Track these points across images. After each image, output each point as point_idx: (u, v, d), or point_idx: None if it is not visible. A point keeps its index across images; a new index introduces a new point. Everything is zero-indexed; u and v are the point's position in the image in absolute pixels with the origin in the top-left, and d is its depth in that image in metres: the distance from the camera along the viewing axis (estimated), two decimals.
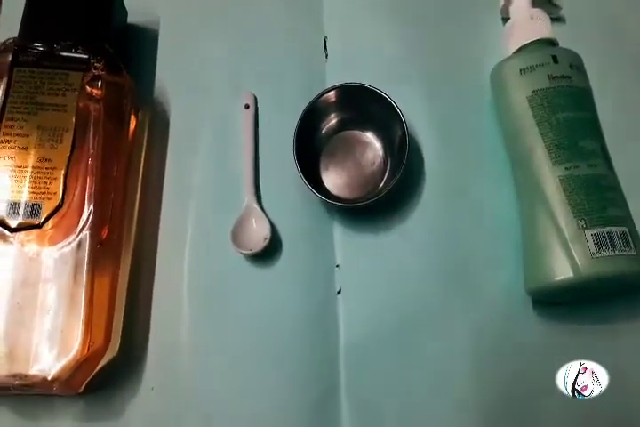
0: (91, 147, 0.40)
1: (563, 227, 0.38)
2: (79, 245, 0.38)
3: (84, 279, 0.37)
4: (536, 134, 0.41)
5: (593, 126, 0.41)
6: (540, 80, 0.42)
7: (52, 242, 0.38)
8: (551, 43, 0.45)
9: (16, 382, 0.36)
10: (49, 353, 0.36)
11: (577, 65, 0.43)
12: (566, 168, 0.39)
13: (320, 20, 0.50)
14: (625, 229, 0.38)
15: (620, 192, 0.40)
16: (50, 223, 0.38)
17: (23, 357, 0.36)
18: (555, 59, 0.42)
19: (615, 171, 0.40)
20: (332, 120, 0.47)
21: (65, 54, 0.42)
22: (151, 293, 0.43)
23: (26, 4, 0.44)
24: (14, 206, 0.38)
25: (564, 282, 0.37)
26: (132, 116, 0.46)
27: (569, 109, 0.41)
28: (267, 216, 0.44)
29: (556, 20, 0.48)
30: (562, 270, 0.37)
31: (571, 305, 0.41)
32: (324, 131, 0.47)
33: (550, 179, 0.40)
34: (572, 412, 0.39)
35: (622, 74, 0.48)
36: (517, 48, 0.45)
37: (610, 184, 0.39)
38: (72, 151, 0.39)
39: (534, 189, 0.40)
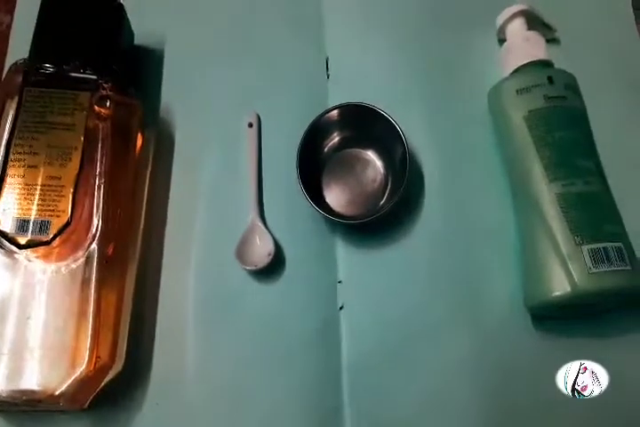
0: (99, 165, 0.41)
1: (560, 243, 0.39)
2: (86, 261, 0.38)
3: (92, 295, 0.37)
4: (533, 153, 0.42)
5: (588, 145, 0.42)
6: (537, 100, 0.43)
7: (60, 259, 0.38)
8: (547, 64, 0.46)
9: (23, 398, 0.36)
10: (56, 369, 0.36)
11: (572, 85, 0.44)
12: (563, 185, 0.40)
13: (322, 40, 0.52)
14: (620, 244, 0.38)
15: (615, 209, 0.40)
16: (58, 240, 0.38)
17: (30, 372, 0.36)
18: (550, 79, 0.44)
19: (610, 188, 0.41)
20: (335, 139, 0.48)
21: (74, 75, 0.43)
22: (156, 309, 0.43)
23: (36, 25, 0.45)
24: (23, 224, 0.38)
25: (562, 297, 0.38)
26: (139, 135, 0.46)
27: (565, 128, 0.42)
28: (270, 233, 0.45)
29: (551, 41, 0.50)
30: (560, 286, 0.38)
31: (569, 320, 0.42)
32: (326, 149, 0.48)
33: (547, 196, 0.40)
34: (573, 425, 0.39)
35: (616, 94, 0.49)
36: (514, 69, 0.46)
37: (605, 201, 0.40)
38: (80, 169, 0.40)
39: (532, 205, 0.41)
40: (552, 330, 0.42)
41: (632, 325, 0.42)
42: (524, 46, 0.47)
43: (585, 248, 0.38)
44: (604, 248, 0.38)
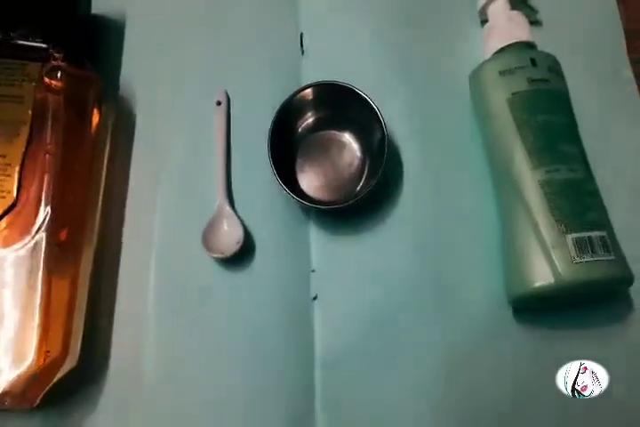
0: (48, 142, 0.38)
1: (543, 232, 0.38)
2: (35, 246, 0.36)
3: (40, 284, 0.35)
4: (516, 137, 0.40)
5: (572, 130, 0.41)
6: (520, 82, 0.42)
7: (6, 243, 0.36)
8: (530, 46, 0.44)
9: None
10: (1, 364, 0.34)
11: (555, 68, 0.43)
12: (546, 171, 0.39)
13: (296, 15, 0.49)
14: (605, 233, 0.37)
15: (599, 197, 0.39)
16: (3, 223, 0.36)
17: None
18: (533, 61, 0.42)
19: (593, 175, 0.40)
20: (309, 119, 0.46)
21: (22, 43, 0.40)
22: (114, 299, 0.41)
23: None
24: None
25: (546, 288, 0.37)
26: (96, 111, 0.43)
27: (548, 112, 0.41)
28: (239, 219, 0.43)
29: (534, 23, 0.48)
30: (543, 276, 0.37)
31: (551, 311, 0.41)
32: (299, 130, 0.46)
33: (531, 182, 0.39)
34: (556, 421, 0.38)
35: (599, 77, 0.47)
36: (496, 50, 0.44)
37: (590, 189, 0.39)
38: (28, 146, 0.37)
39: (515, 192, 0.40)
40: (533, 322, 0.41)
41: (614, 315, 0.41)
42: (506, 27, 0.45)
43: (569, 237, 0.37)
44: (588, 237, 0.37)
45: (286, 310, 0.41)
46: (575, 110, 0.42)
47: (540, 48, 0.45)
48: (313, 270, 0.42)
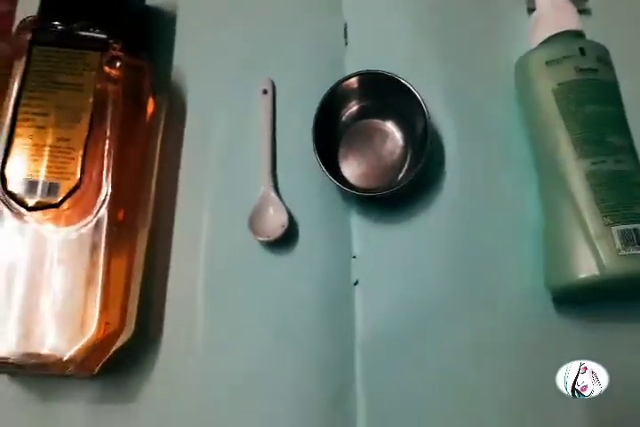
0: (108, 128, 0.40)
1: (588, 223, 0.37)
2: (96, 226, 0.38)
3: (101, 261, 0.37)
4: (562, 128, 0.40)
5: (620, 121, 0.41)
6: (567, 72, 0.41)
7: (69, 222, 0.38)
8: (578, 35, 0.44)
9: (31, 362, 0.36)
10: (65, 334, 0.36)
11: (604, 58, 0.42)
12: (593, 163, 0.39)
13: (340, 5, 0.50)
14: None
15: None
16: (67, 203, 0.38)
17: (39, 337, 0.36)
18: (582, 51, 0.42)
19: None
20: (353, 108, 0.46)
21: (83, 34, 0.42)
22: (166, 276, 0.43)
23: None
24: (32, 185, 0.38)
25: (589, 280, 0.37)
26: (150, 100, 0.45)
27: (596, 103, 0.40)
28: (284, 204, 0.44)
29: (583, 12, 0.47)
30: (587, 268, 0.37)
31: (593, 304, 0.41)
32: (343, 118, 0.46)
33: (576, 173, 0.39)
34: (593, 412, 0.38)
35: None
36: (544, 39, 0.44)
37: (637, 180, 0.39)
38: (90, 132, 0.39)
39: (559, 184, 0.40)
40: (573, 313, 0.41)
41: None
42: (554, 15, 0.45)
43: (614, 229, 0.37)
44: (634, 229, 0.36)
45: (328, 293, 0.42)
46: (624, 101, 0.42)
47: (588, 38, 0.44)
48: (354, 256, 0.43)
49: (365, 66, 0.45)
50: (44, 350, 0.36)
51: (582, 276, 0.37)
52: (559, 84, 0.41)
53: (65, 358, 0.36)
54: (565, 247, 0.38)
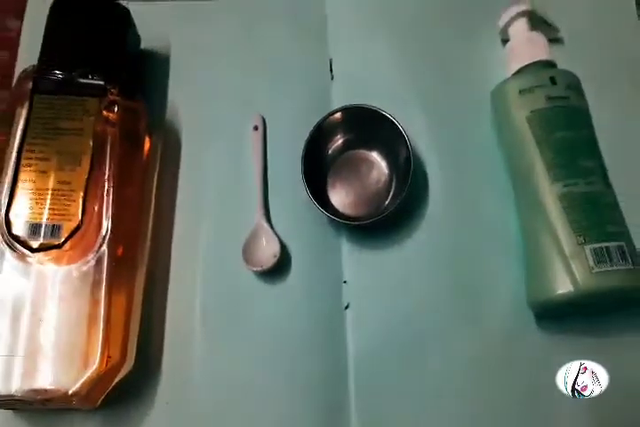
0: (107, 169, 0.42)
1: (562, 242, 0.39)
2: (97, 263, 0.39)
3: (102, 296, 0.38)
4: (535, 153, 0.42)
5: (590, 145, 0.43)
6: (539, 100, 0.43)
7: (71, 261, 0.39)
8: (549, 64, 0.46)
9: (38, 398, 0.37)
10: (69, 369, 0.37)
11: (574, 85, 0.44)
12: (564, 185, 0.41)
13: (325, 41, 0.52)
14: (622, 243, 0.39)
15: (618, 208, 0.41)
16: (69, 244, 0.39)
17: (44, 372, 0.37)
18: (552, 80, 0.44)
19: (612, 187, 0.41)
20: (339, 140, 0.49)
21: (82, 81, 0.43)
22: (165, 309, 0.44)
23: (45, 32, 0.45)
24: (35, 228, 0.39)
25: (565, 296, 0.38)
26: (147, 139, 0.47)
27: (566, 129, 0.42)
28: (276, 234, 0.45)
29: (554, 41, 0.50)
30: (562, 285, 0.38)
31: (572, 318, 0.42)
32: (330, 151, 0.48)
33: (550, 196, 0.41)
34: (574, 424, 0.40)
35: (620, 92, 0.49)
36: (517, 69, 0.46)
37: (607, 201, 0.40)
38: (90, 174, 0.41)
39: (535, 205, 0.42)
40: (555, 328, 0.42)
41: (635, 324, 0.42)
42: (526, 47, 0.47)
43: (587, 248, 0.38)
44: (606, 248, 0.38)
45: (320, 318, 0.43)
46: (595, 124, 0.43)
47: (561, 64, 0.46)
48: (345, 281, 0.45)
49: (351, 98, 0.48)
50: (50, 386, 0.37)
51: (558, 292, 0.38)
52: (531, 112, 0.43)
53: (70, 393, 0.37)
54: (543, 265, 0.40)
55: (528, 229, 0.43)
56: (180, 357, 0.43)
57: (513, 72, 0.47)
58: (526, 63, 0.46)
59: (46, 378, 0.37)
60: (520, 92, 0.44)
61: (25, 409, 0.41)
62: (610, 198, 0.41)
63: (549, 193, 0.41)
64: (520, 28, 0.48)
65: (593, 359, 0.40)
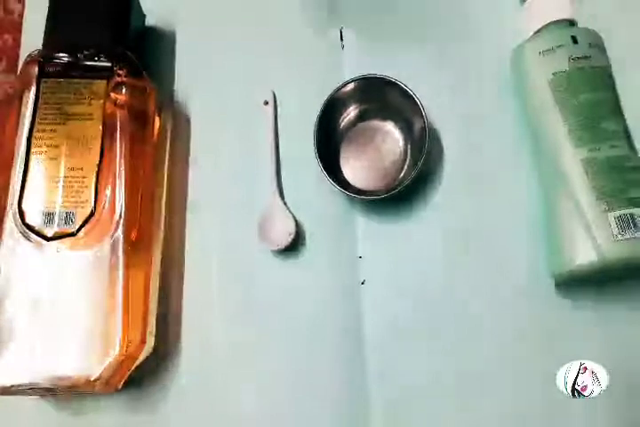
0: (118, 152, 0.41)
1: (585, 210, 0.38)
2: (112, 248, 0.39)
3: (120, 281, 0.38)
4: (557, 117, 0.41)
5: (614, 107, 0.41)
6: (561, 62, 0.41)
7: (86, 247, 0.39)
8: (570, 23, 0.44)
9: (61, 384, 0.37)
10: (90, 354, 0.38)
11: (597, 44, 0.42)
12: (589, 150, 0.39)
13: (336, 11, 0.50)
14: None
15: None
16: (83, 231, 0.39)
17: (66, 359, 0.38)
18: (574, 39, 0.42)
19: (637, 151, 0.40)
20: (352, 112, 0.47)
21: (89, 63, 0.43)
22: (182, 291, 0.44)
23: (48, 15, 0.45)
24: (49, 216, 0.39)
25: (587, 266, 0.37)
26: (156, 119, 0.46)
27: (590, 91, 0.41)
28: (290, 212, 0.45)
29: None
30: (585, 254, 0.37)
31: (595, 285, 0.41)
32: (343, 123, 0.47)
33: (572, 161, 0.39)
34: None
35: None
36: (536, 29, 0.44)
37: (632, 165, 0.39)
38: (101, 159, 0.40)
39: (556, 172, 0.40)
40: (576, 297, 0.41)
41: None
42: (546, 5, 0.44)
43: (611, 215, 0.37)
44: (630, 214, 0.37)
45: (337, 294, 0.43)
46: (619, 84, 0.41)
47: (581, 23, 0.44)
48: (360, 257, 0.44)
49: (363, 68, 0.46)
50: (73, 372, 0.37)
51: (581, 262, 0.37)
52: (554, 74, 0.41)
53: (92, 379, 0.37)
54: (564, 235, 0.39)
55: (549, 196, 0.41)
56: (199, 339, 0.43)
57: (533, 32, 0.44)
58: (546, 22, 0.44)
59: (68, 365, 0.37)
60: (540, 53, 0.42)
61: (46, 395, 0.42)
62: (635, 162, 0.39)
63: (572, 159, 0.39)
64: None
65: (617, 327, 0.40)
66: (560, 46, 0.42)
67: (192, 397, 0.42)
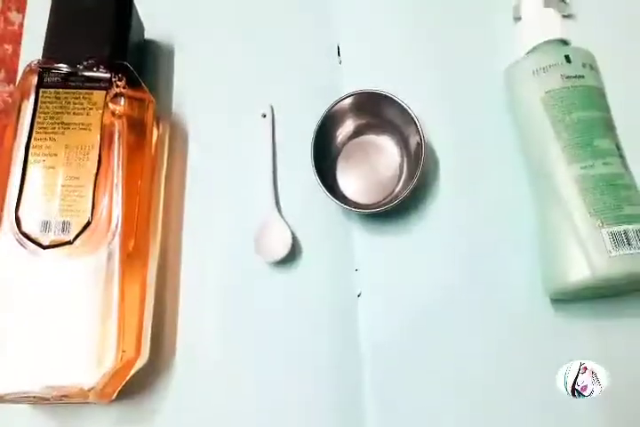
0: (116, 162, 0.41)
1: (579, 226, 0.38)
2: (109, 257, 0.39)
3: (116, 290, 0.38)
4: (551, 134, 0.41)
5: (607, 125, 0.41)
6: (554, 80, 0.42)
7: (83, 256, 0.39)
8: (563, 42, 0.45)
9: (54, 394, 0.37)
10: (85, 364, 0.37)
11: (590, 63, 0.43)
12: (581, 167, 0.40)
13: (332, 26, 0.51)
14: None
15: (636, 190, 0.40)
16: (80, 240, 0.39)
17: (60, 368, 0.37)
18: (567, 58, 0.43)
19: (630, 169, 0.40)
20: (349, 126, 0.48)
21: (88, 74, 0.43)
22: (177, 302, 0.44)
23: (48, 26, 0.45)
24: (46, 224, 0.39)
25: (582, 282, 0.38)
26: (154, 130, 0.47)
27: (583, 109, 0.41)
28: (287, 224, 0.45)
29: (567, 17, 0.48)
30: (579, 270, 0.38)
31: (589, 301, 0.41)
32: (340, 137, 0.48)
33: (566, 178, 0.40)
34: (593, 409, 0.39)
35: (636, 69, 0.47)
36: (530, 49, 0.45)
37: (625, 182, 0.39)
38: (98, 168, 0.40)
39: (550, 188, 0.41)
40: (572, 312, 0.41)
41: None
42: (539, 24, 0.46)
43: (605, 231, 0.37)
44: (624, 231, 0.37)
45: (333, 306, 0.43)
46: (611, 102, 0.42)
47: (574, 42, 0.45)
48: (356, 269, 0.44)
49: (359, 83, 0.47)
50: (66, 382, 0.37)
51: (575, 278, 0.38)
52: (546, 92, 0.42)
53: (86, 388, 0.37)
54: (558, 250, 0.39)
55: (543, 212, 0.42)
56: (194, 349, 0.43)
57: (526, 51, 0.45)
58: (539, 42, 0.45)
59: (63, 374, 0.37)
60: (534, 72, 0.43)
61: (41, 404, 0.41)
62: (628, 180, 0.40)
63: (565, 175, 0.40)
64: (532, 6, 0.46)
65: (612, 343, 0.40)
66: (553, 65, 0.43)
67: (186, 408, 0.42)
